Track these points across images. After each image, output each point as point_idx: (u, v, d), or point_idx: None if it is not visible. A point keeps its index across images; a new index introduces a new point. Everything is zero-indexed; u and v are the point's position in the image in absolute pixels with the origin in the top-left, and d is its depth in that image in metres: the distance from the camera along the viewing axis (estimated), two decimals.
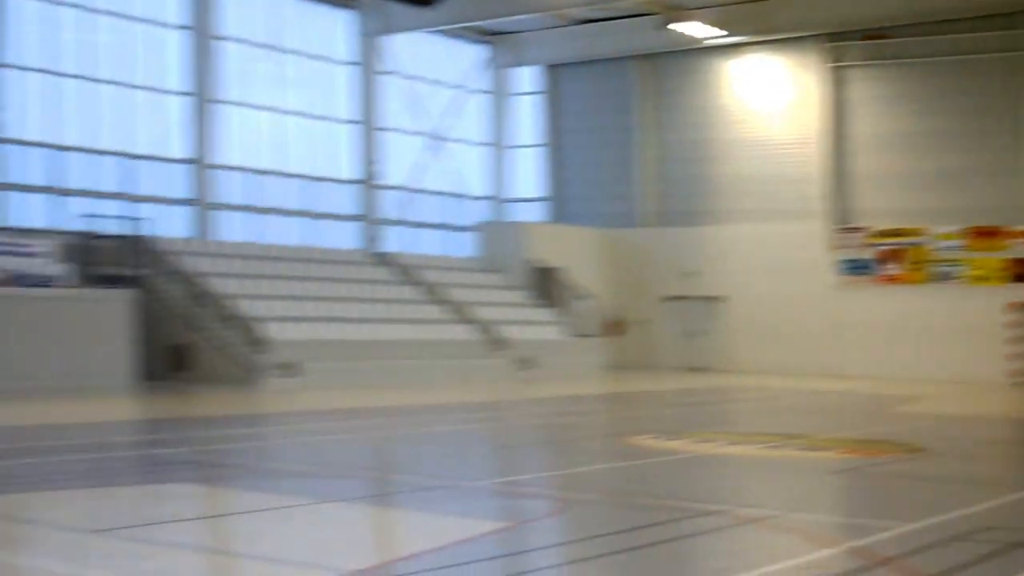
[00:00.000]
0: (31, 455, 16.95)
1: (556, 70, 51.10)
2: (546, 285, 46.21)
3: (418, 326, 39.31)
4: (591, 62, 49.72)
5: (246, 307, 35.06)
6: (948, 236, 42.62)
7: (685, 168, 48.04)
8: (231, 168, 41.70)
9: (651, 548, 10.33)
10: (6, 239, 31.89)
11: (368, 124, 45.96)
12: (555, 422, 24.46)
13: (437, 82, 49.28)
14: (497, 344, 41.15)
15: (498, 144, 51.58)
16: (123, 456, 17.57)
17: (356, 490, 14.19)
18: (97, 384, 30.55)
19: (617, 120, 49.36)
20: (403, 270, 43.62)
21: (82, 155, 37.70)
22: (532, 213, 51.33)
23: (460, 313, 42.02)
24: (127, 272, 34.26)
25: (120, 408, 26.85)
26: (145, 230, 36.54)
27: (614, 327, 47.02)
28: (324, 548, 10.13)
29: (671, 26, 44.03)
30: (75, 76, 37.53)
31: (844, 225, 44.55)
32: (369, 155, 45.73)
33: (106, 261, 34.22)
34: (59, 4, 37.03)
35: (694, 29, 44.50)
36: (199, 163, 40.30)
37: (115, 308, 32.19)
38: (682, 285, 47.37)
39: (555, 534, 11.35)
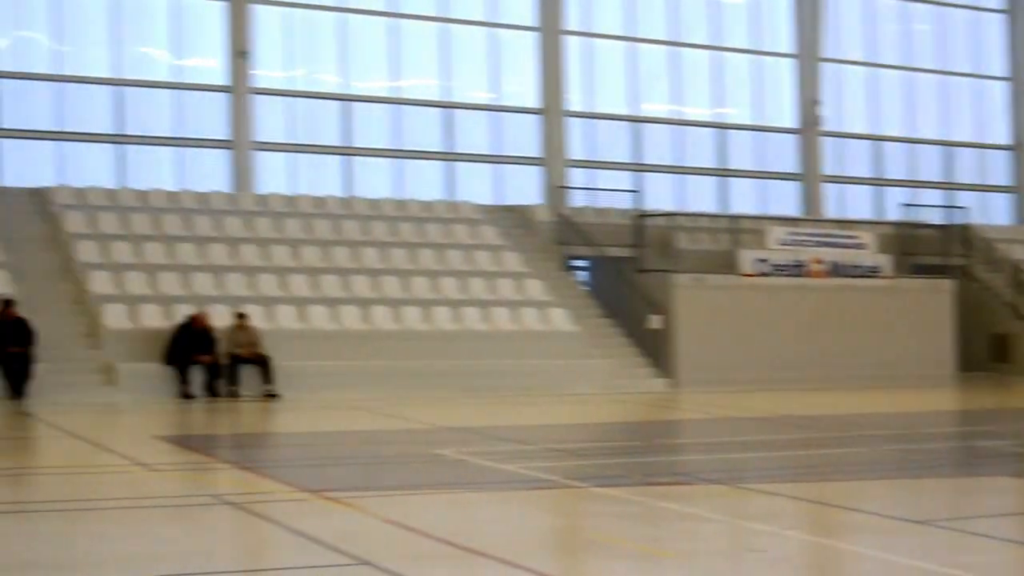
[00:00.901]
0: (852, 444, 17.50)
1: None
2: None
3: None
4: None
5: None
6: None
7: None
8: None
9: None
10: (831, 230, 32.93)
11: None
12: None
13: None
14: None
15: None
16: (941, 447, 17.71)
17: None
18: (917, 374, 30.66)
19: None
20: None
21: (902, 145, 38.29)
22: None
23: None
24: (948, 261, 34.19)
25: (940, 398, 26.93)
26: (966, 218, 36.39)
27: None
28: None
29: None
30: (895, 67, 38.14)
31: None
32: None
33: (926, 250, 34.33)
34: None
35: None
36: (1021, 148, 39.46)
37: (936, 298, 32.20)
38: None
39: None
